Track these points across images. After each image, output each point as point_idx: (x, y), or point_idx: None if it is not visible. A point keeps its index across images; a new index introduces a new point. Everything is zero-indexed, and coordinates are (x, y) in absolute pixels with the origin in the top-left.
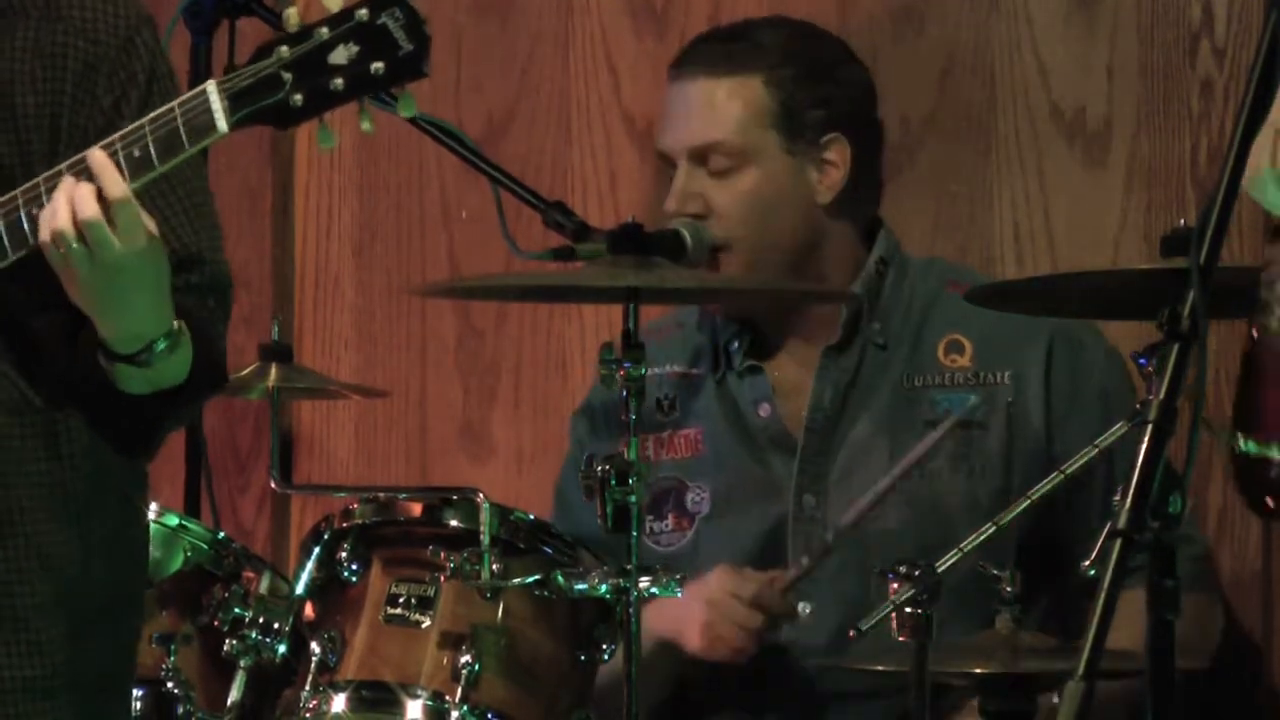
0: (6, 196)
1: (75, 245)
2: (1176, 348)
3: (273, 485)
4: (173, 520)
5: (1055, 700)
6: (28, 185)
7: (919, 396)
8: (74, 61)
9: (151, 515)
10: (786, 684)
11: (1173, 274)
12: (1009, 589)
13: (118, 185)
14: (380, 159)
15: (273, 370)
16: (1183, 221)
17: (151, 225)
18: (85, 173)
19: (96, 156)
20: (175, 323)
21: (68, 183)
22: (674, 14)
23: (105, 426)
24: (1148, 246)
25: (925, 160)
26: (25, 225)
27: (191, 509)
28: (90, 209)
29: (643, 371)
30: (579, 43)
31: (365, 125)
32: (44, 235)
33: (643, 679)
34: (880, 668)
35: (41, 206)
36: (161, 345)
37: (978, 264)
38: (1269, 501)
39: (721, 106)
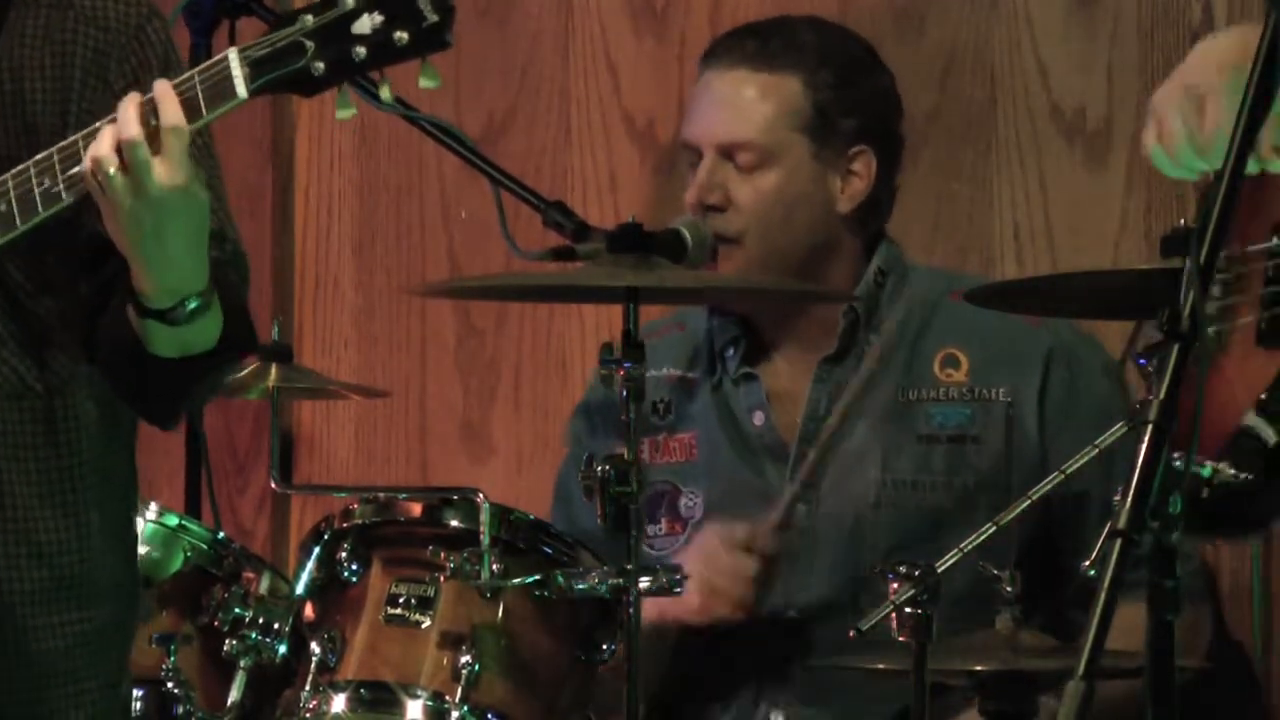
0: (19, 168)
1: (114, 172)
2: (1176, 348)
3: (273, 485)
4: (173, 520)
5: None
6: (40, 156)
7: (914, 410)
8: (83, 48)
9: (151, 515)
10: (782, 683)
11: (1173, 274)
12: (1009, 589)
13: (175, 114)
14: (380, 159)
15: (273, 370)
16: (1183, 221)
17: (199, 175)
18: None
19: (161, 84)
20: (208, 283)
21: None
22: (674, 14)
23: (134, 393)
24: (1148, 246)
25: (925, 160)
26: (36, 195)
27: (191, 509)
28: (133, 129)
29: (643, 371)
30: (579, 43)
31: (384, 94)
32: (85, 162)
33: (642, 670)
34: (881, 666)
35: (53, 177)
36: (194, 303)
37: (977, 264)
38: (1197, 520)
39: (755, 103)
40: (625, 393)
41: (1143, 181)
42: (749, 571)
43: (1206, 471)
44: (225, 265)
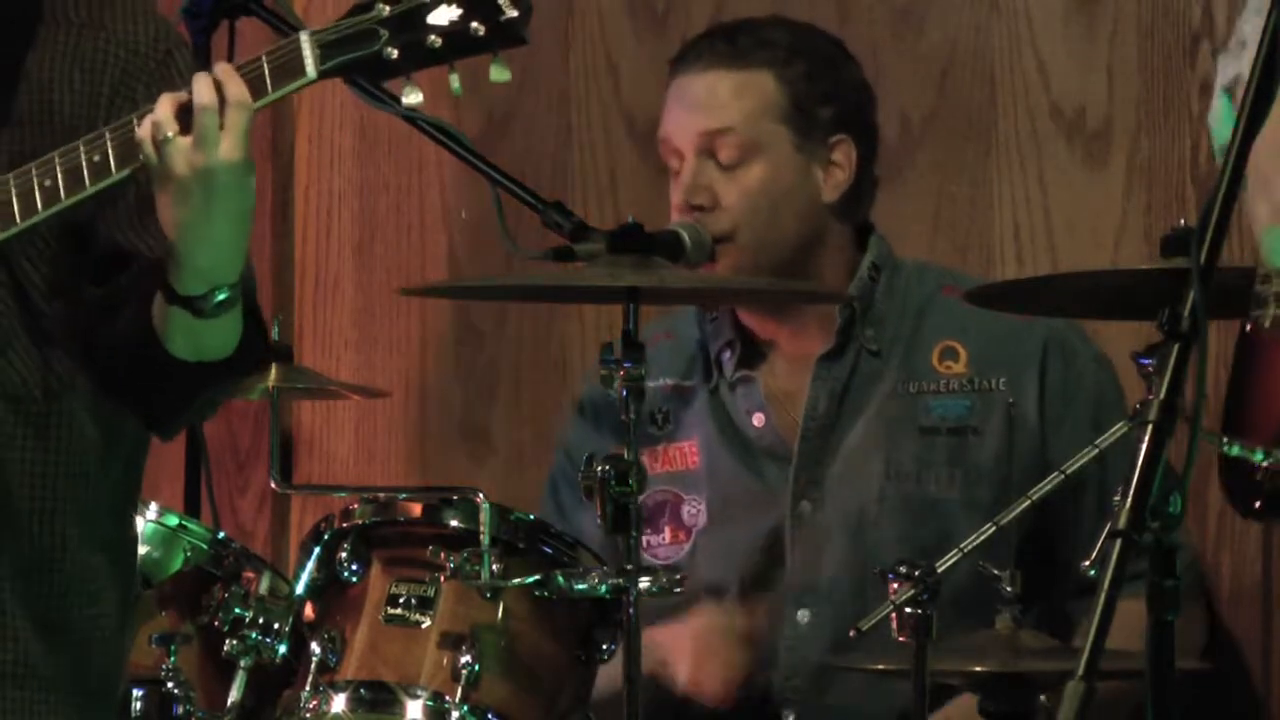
0: (67, 145)
1: (172, 135)
2: (1176, 348)
3: (273, 485)
4: (173, 520)
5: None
6: (92, 134)
7: (914, 403)
8: (113, 68)
9: (151, 515)
10: (785, 694)
11: (1173, 274)
12: (1009, 589)
13: (241, 91)
14: (380, 159)
15: (273, 370)
16: (1183, 221)
17: (253, 162)
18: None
19: (221, 65)
20: (239, 279)
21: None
22: (674, 14)
23: (140, 393)
24: (1148, 246)
25: (925, 160)
26: (84, 168)
27: (191, 509)
28: (208, 96)
29: (643, 371)
30: (579, 43)
31: (455, 86)
32: (144, 125)
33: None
34: (880, 667)
35: (103, 152)
36: (223, 294)
37: (977, 264)
38: (1256, 504)
39: (732, 98)
40: (625, 392)
41: (1143, 181)
42: (742, 666)
43: (1259, 456)
44: (245, 279)
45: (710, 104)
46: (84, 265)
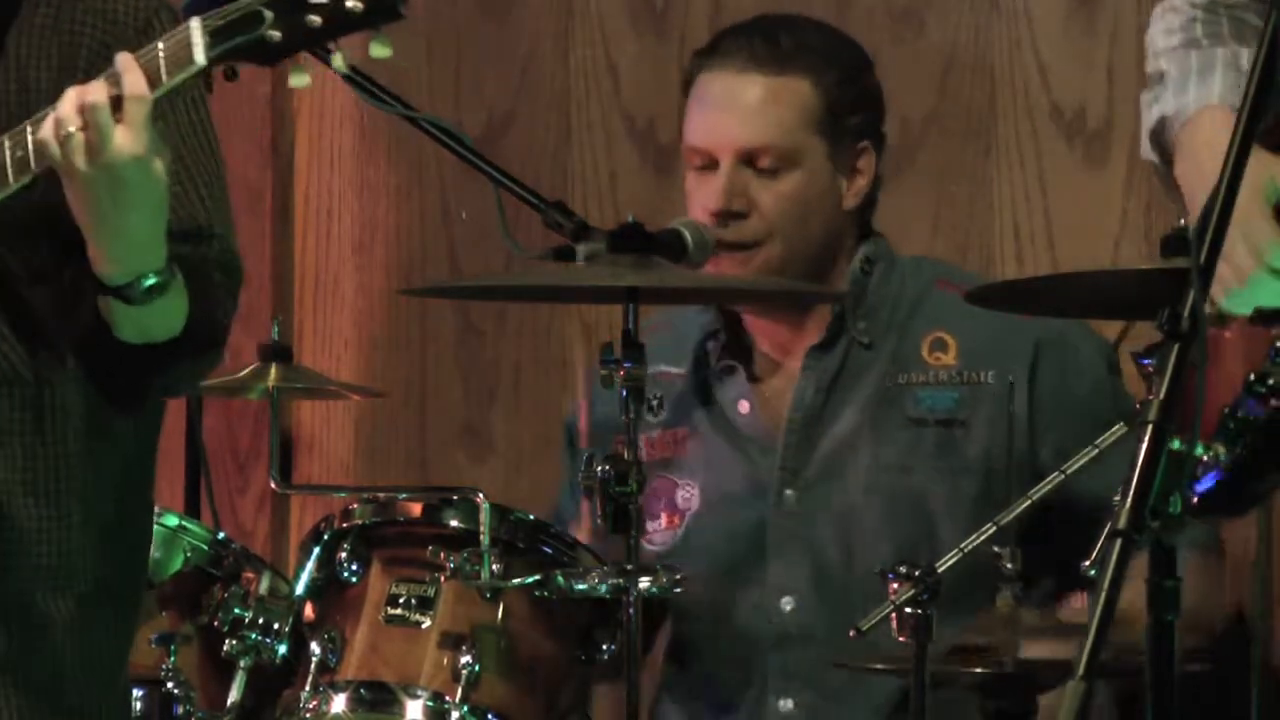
0: (15, 129)
1: (74, 131)
2: (1176, 348)
3: (272, 485)
4: (172, 520)
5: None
6: (16, 129)
7: (902, 393)
8: (90, 40)
9: None
10: (786, 671)
11: (1172, 274)
12: (1009, 565)
13: (138, 83)
14: (380, 159)
15: (272, 370)
16: (1183, 221)
17: (163, 150)
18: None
19: (123, 56)
20: (168, 264)
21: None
22: (674, 14)
23: (97, 374)
24: (1148, 246)
25: (925, 160)
26: (8, 163)
27: (191, 509)
28: (98, 94)
29: (643, 371)
30: (579, 43)
31: (338, 63)
32: (46, 123)
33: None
34: (880, 665)
35: (24, 147)
36: (150, 281)
37: (977, 264)
38: (1192, 500)
39: (770, 106)
40: (625, 392)
41: (1143, 181)
42: None
43: (1200, 451)
44: (209, 262)
45: (749, 110)
46: (63, 246)
